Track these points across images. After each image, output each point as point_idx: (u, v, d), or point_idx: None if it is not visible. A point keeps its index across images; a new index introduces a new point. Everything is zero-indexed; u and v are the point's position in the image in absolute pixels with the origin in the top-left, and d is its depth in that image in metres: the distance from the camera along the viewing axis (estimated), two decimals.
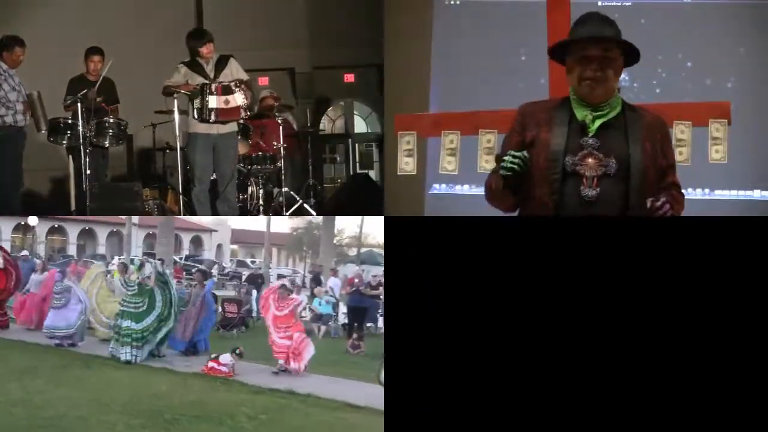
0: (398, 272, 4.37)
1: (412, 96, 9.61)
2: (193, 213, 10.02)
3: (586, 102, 4.16)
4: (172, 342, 10.27)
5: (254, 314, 14.07)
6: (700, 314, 4.12)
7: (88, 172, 9.35)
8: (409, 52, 9.87)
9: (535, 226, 4.19)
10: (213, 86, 9.02)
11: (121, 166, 12.35)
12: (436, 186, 9.91)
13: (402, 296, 4.36)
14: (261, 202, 10.81)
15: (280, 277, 20.06)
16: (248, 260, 32.81)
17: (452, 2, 9.98)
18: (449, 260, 4.26)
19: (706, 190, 9.36)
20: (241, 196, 10.63)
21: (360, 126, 16.25)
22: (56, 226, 31.23)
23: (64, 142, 9.76)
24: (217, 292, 12.38)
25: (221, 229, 34.17)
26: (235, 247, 37.29)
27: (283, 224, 30.62)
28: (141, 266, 10.22)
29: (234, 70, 9.33)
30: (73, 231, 32.03)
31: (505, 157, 4.10)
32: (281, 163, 10.75)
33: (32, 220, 25.59)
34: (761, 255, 4.10)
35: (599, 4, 9.36)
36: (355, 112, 16.18)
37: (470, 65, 9.72)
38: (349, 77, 14.83)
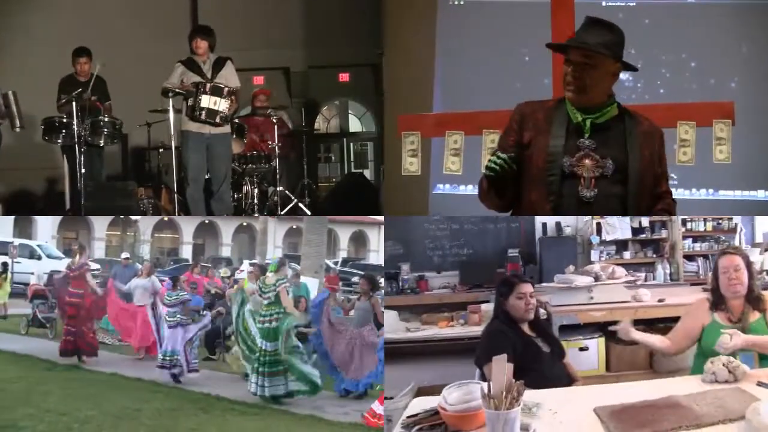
0: None
1: (414, 96, 9.56)
2: (188, 213, 9.93)
3: (574, 104, 4.17)
4: (337, 383, 8.39)
5: None
6: None
7: (83, 171, 9.25)
8: (410, 51, 9.80)
9: None
10: (208, 86, 9.00)
11: (115, 165, 12.27)
12: (440, 186, 9.84)
13: None
14: (256, 201, 10.78)
15: None
16: None
17: (456, 2, 9.91)
18: None
19: (710, 190, 9.34)
20: (235, 195, 10.62)
21: (355, 125, 16.19)
22: (166, 219, 22.85)
23: (59, 141, 9.68)
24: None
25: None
26: None
27: None
28: (280, 266, 8.20)
29: (228, 74, 9.26)
30: (187, 226, 24.97)
31: (490, 157, 4.13)
32: (276, 162, 10.71)
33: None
34: None
35: (603, 4, 9.32)
36: (349, 112, 16.14)
37: (474, 65, 9.67)
38: (344, 77, 14.76)
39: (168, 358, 8.78)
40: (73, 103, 9.25)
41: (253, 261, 14.07)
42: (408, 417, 3.54)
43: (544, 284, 7.68)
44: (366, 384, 8.24)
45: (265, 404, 7.62)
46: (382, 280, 9.25)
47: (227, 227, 25.33)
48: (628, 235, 9.49)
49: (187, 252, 24.95)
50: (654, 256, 9.47)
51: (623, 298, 7.23)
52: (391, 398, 5.49)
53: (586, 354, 6.72)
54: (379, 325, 8.44)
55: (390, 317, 8.09)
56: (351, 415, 7.20)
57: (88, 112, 9.52)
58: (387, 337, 7.53)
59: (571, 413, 3.58)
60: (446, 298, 8.94)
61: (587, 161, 4.07)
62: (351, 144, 16.22)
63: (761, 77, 9.23)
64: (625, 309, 6.97)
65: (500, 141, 4.42)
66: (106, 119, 9.72)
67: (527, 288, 4.71)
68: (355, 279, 15.68)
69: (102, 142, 9.80)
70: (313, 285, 11.97)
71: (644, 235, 9.47)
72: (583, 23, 4.25)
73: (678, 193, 9.14)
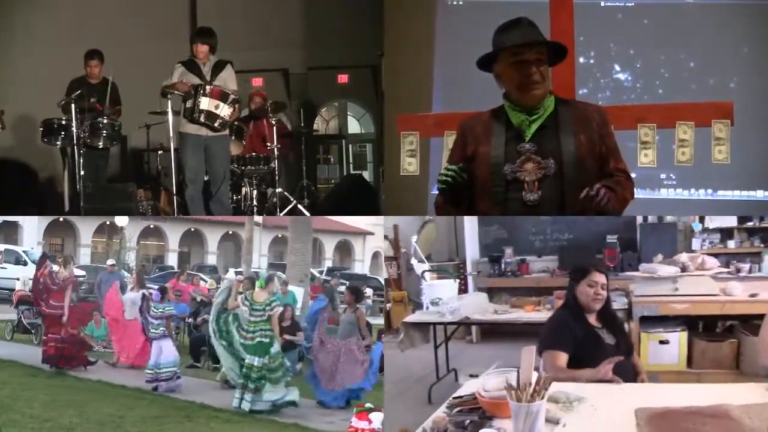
0: None
1: (413, 96, 9.54)
2: (187, 214, 9.92)
3: (522, 106, 4.18)
4: (317, 391, 8.27)
5: None
6: None
7: (83, 172, 9.21)
8: (409, 52, 9.78)
9: None
10: (208, 88, 8.95)
11: (115, 167, 12.23)
12: None
13: None
14: (255, 202, 10.75)
15: None
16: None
17: (456, 2, 9.90)
18: None
19: (709, 191, 9.31)
20: (234, 197, 10.60)
21: (354, 127, 16.21)
22: (151, 227, 23.76)
23: (58, 142, 9.63)
24: (373, 320, 9.35)
25: (380, 232, 22.78)
26: None
27: None
28: (269, 281, 8.19)
29: (227, 77, 9.23)
30: (173, 234, 24.78)
31: (441, 171, 4.21)
32: (275, 164, 10.69)
33: (120, 220, 20.11)
34: None
35: (602, 4, 9.32)
36: (348, 113, 16.15)
37: (473, 65, 9.65)
38: (343, 78, 14.76)
39: (153, 371, 8.73)
40: (73, 105, 9.23)
41: (239, 270, 13.91)
42: (454, 398, 3.62)
43: (627, 273, 7.51)
44: (343, 397, 8.11)
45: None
46: (368, 291, 9.09)
47: (213, 235, 25.04)
48: (733, 222, 9.11)
49: (172, 259, 24.83)
50: (762, 245, 9.03)
51: (710, 291, 6.78)
52: (476, 376, 5.49)
53: (667, 347, 6.48)
54: (363, 338, 8.32)
55: (479, 299, 7.98)
56: (336, 425, 7.12)
57: (87, 114, 9.49)
58: (474, 318, 7.39)
59: (613, 412, 3.44)
60: (544, 281, 9.00)
61: (529, 165, 4.10)
62: (350, 145, 16.25)
63: (760, 77, 9.21)
64: (710, 303, 6.64)
65: (449, 158, 4.49)
66: (105, 121, 9.68)
67: (600, 278, 4.67)
68: (341, 289, 15.51)
69: (101, 144, 9.74)
70: (299, 293, 11.95)
71: (751, 223, 8.96)
72: (509, 26, 4.23)
73: (677, 193, 9.19)
